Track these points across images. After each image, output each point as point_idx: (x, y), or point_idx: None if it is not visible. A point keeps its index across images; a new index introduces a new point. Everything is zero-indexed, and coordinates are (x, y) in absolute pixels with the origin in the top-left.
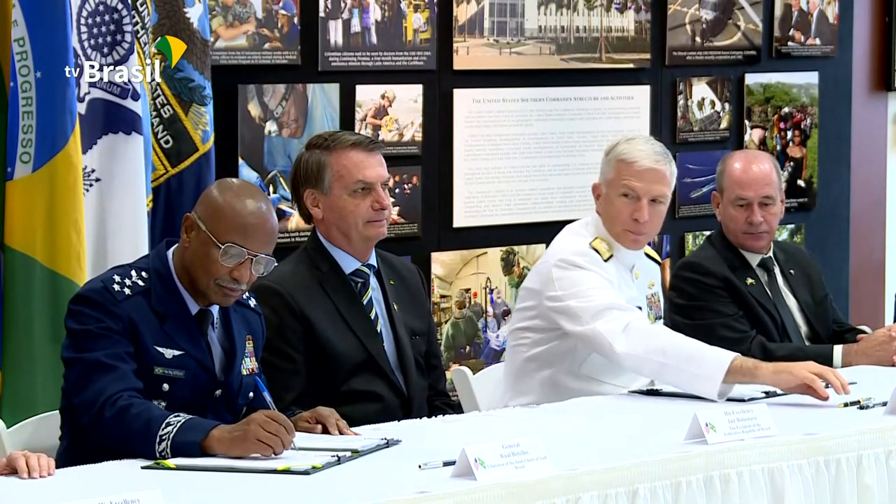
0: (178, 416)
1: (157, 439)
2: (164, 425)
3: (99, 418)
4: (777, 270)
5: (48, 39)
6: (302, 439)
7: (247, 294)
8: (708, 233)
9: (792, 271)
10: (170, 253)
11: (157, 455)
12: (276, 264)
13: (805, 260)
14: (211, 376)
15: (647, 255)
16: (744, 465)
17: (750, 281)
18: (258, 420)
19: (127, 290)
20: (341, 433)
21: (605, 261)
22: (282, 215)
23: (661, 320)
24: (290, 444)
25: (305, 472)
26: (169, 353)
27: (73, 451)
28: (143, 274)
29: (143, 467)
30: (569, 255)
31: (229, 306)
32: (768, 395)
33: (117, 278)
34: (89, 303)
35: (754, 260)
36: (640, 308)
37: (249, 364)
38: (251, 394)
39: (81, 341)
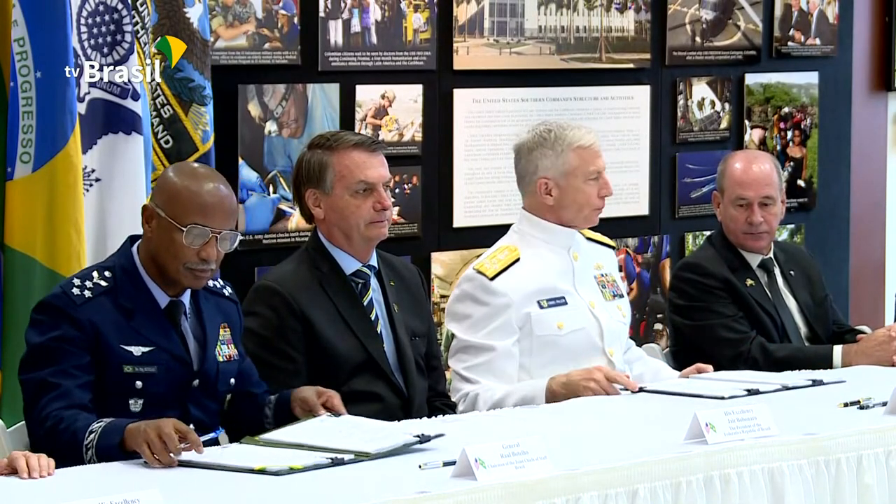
0: (101, 421)
1: (84, 449)
2: (87, 434)
3: (38, 440)
4: (777, 271)
5: (48, 39)
6: (313, 437)
7: (221, 283)
8: (708, 233)
9: (792, 272)
10: (134, 248)
11: (89, 462)
12: (240, 237)
13: (805, 260)
14: (187, 367)
15: (592, 240)
16: (744, 465)
17: (750, 282)
18: (161, 424)
19: (87, 293)
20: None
21: (493, 278)
22: (282, 215)
23: (624, 299)
24: (171, 460)
25: (276, 473)
26: (138, 350)
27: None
28: (107, 273)
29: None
30: (462, 283)
31: (200, 296)
32: (750, 392)
33: (77, 282)
34: (49, 309)
35: (754, 261)
36: (562, 299)
37: (227, 351)
38: (233, 380)
39: (33, 358)
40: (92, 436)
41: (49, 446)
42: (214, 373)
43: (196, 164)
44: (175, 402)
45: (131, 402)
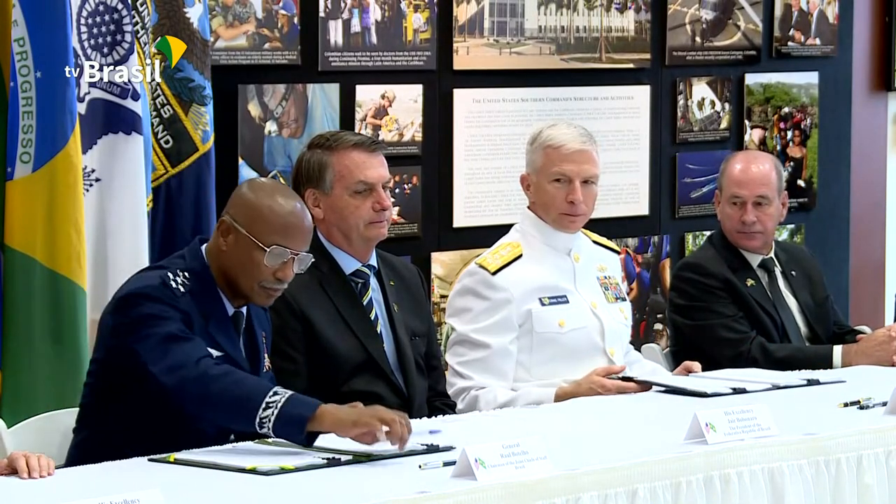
0: (282, 390)
1: (263, 405)
2: (271, 394)
3: (192, 378)
4: (778, 271)
5: (48, 39)
6: (321, 440)
7: None
8: (708, 233)
9: (793, 272)
10: (204, 253)
11: (256, 423)
12: (312, 259)
13: (807, 260)
14: None
15: (598, 243)
16: (744, 465)
17: (750, 282)
18: (376, 407)
19: (180, 288)
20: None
21: (495, 273)
22: None
23: (626, 303)
24: (406, 435)
25: (267, 473)
26: (214, 353)
27: (91, 442)
28: (186, 274)
29: (149, 459)
30: (463, 277)
31: (251, 307)
32: (735, 391)
33: (168, 275)
34: (150, 298)
35: (755, 260)
36: (564, 298)
37: (266, 361)
38: None
39: (144, 324)
40: (277, 398)
41: (207, 385)
42: (268, 382)
43: (272, 182)
44: None
45: None
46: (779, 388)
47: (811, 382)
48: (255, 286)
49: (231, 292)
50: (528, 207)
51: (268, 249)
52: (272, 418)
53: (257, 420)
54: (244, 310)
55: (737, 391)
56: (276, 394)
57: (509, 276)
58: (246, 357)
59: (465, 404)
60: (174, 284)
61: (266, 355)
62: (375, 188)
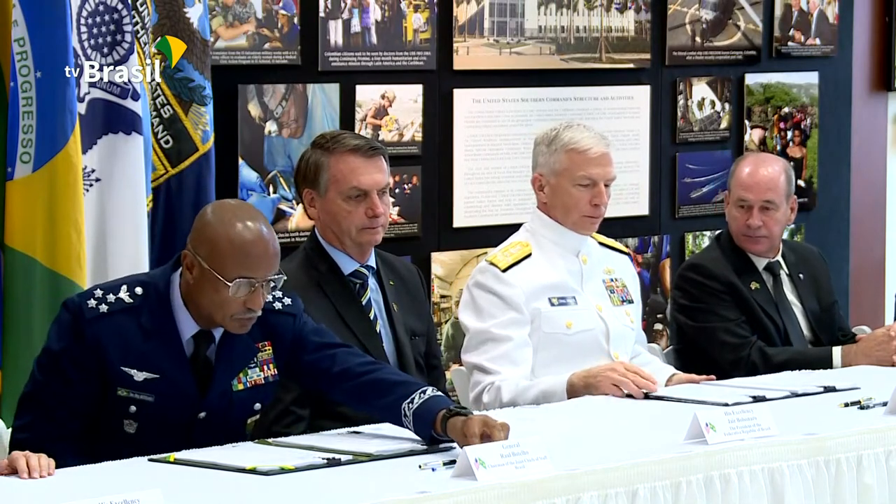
0: None
1: None
2: None
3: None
4: (784, 274)
5: (48, 39)
6: (321, 440)
7: (275, 296)
8: (708, 233)
9: (801, 275)
10: (176, 275)
11: None
12: (285, 278)
13: (815, 261)
14: (191, 400)
15: (605, 245)
16: (744, 465)
17: (754, 285)
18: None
19: (103, 308)
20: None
21: (505, 270)
22: (282, 215)
23: (633, 305)
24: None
25: (267, 473)
26: (140, 375)
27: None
28: (138, 290)
29: (149, 459)
30: (475, 275)
31: None
32: (756, 399)
33: (98, 293)
34: (66, 314)
35: (760, 263)
36: (572, 299)
37: (255, 375)
38: (258, 405)
39: (47, 364)
40: None
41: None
42: (226, 404)
43: (235, 204)
44: (175, 429)
45: (126, 422)
46: (797, 395)
47: (827, 389)
48: (227, 318)
49: (206, 322)
50: (539, 208)
51: (231, 285)
52: None
53: None
54: (217, 330)
55: (757, 399)
56: None
57: (519, 274)
58: (210, 377)
59: (490, 397)
60: (93, 304)
61: (261, 367)
62: (369, 194)
